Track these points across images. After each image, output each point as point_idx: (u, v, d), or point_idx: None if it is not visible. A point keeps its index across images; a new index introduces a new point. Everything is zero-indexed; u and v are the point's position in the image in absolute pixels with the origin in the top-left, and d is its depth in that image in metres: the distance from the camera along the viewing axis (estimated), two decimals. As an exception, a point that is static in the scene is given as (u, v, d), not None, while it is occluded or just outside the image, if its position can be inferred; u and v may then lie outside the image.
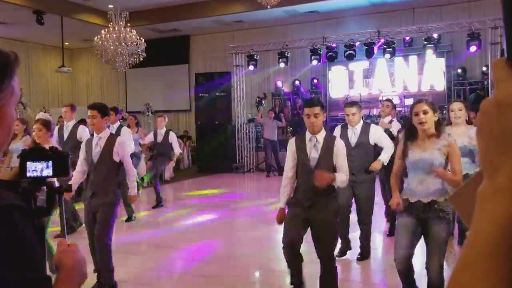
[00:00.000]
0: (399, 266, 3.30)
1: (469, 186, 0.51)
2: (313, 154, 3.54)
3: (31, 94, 16.71)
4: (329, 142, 3.56)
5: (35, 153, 1.20)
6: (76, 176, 4.31)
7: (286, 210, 3.67)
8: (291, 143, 3.67)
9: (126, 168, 4.35)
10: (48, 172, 1.19)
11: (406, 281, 3.39)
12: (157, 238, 6.32)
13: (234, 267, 4.94)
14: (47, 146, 1.30)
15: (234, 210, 8.17)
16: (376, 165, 4.81)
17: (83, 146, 4.42)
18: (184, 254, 5.53)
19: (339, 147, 3.59)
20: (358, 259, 4.96)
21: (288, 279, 4.64)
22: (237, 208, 8.36)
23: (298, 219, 3.55)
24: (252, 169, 13.81)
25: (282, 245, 3.59)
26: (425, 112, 3.15)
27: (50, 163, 1.19)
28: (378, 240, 5.83)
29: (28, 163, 1.18)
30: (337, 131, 4.98)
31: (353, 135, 4.84)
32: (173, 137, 8.36)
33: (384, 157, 4.83)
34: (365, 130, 4.86)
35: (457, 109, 4.58)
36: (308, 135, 3.59)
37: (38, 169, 1.19)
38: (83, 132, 6.44)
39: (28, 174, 1.18)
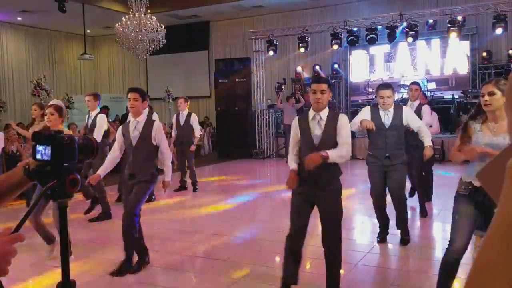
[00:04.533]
0: (456, 255, 3.07)
1: (498, 162, 0.49)
2: (316, 131, 3.50)
3: (54, 81, 16.97)
4: (332, 119, 3.52)
5: (43, 136, 1.20)
6: (107, 164, 4.45)
7: (292, 196, 3.65)
8: (295, 122, 3.67)
9: (163, 152, 4.43)
10: (48, 156, 1.18)
11: (450, 275, 3.12)
12: (179, 222, 6.40)
13: (253, 252, 4.97)
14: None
15: (253, 196, 8.19)
16: (428, 152, 4.78)
17: (119, 131, 4.51)
18: (206, 238, 5.58)
19: (343, 121, 3.52)
20: (400, 244, 4.98)
21: (308, 264, 4.66)
22: (256, 193, 8.38)
23: (304, 207, 3.58)
24: (272, 155, 13.80)
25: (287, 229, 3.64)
26: (490, 94, 2.94)
27: (49, 147, 1.19)
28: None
29: (38, 146, 1.19)
30: (366, 112, 4.85)
31: (387, 116, 4.76)
32: (195, 119, 8.40)
33: (428, 141, 4.78)
34: (398, 111, 4.78)
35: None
36: (311, 112, 3.55)
37: (43, 152, 1.19)
38: (98, 120, 6.41)
39: (37, 157, 1.19)
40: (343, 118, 3.56)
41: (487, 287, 0.41)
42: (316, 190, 3.50)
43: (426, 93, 12.94)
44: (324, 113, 3.54)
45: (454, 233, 3.07)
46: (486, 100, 2.94)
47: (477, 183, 2.96)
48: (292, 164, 3.59)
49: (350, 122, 4.78)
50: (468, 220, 3.04)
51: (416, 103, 6.13)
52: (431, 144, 4.79)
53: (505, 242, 0.41)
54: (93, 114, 6.59)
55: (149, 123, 4.43)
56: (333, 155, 3.37)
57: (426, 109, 6.07)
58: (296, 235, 3.58)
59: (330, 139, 3.47)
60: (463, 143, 3.06)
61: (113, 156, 4.47)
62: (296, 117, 3.73)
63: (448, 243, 3.11)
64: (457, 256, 3.04)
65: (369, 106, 4.99)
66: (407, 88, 13.36)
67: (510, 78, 0.44)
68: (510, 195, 0.42)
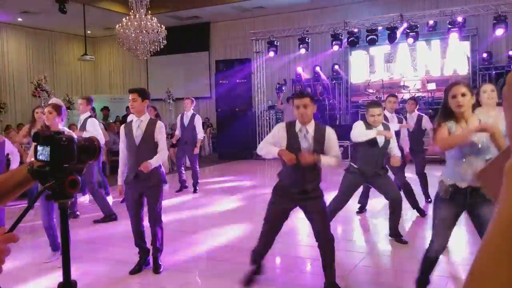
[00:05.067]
0: (432, 254, 3.26)
1: (497, 162, 0.49)
2: (303, 144, 3.57)
3: (54, 82, 16.98)
4: (319, 133, 3.59)
5: (41, 136, 1.21)
6: (122, 167, 4.44)
7: (272, 196, 3.82)
8: (282, 127, 3.66)
9: (160, 150, 4.36)
10: (46, 157, 1.19)
11: (430, 268, 3.36)
12: (180, 223, 6.40)
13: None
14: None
15: (254, 197, 8.19)
16: (396, 161, 4.81)
17: (122, 131, 4.48)
18: (206, 239, 5.59)
19: (330, 135, 3.61)
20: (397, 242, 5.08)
21: (308, 265, 4.66)
22: (257, 195, 8.38)
23: (284, 210, 3.74)
24: (272, 156, 13.78)
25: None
26: (463, 95, 3.01)
27: (48, 148, 1.19)
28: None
29: (38, 146, 1.20)
30: (361, 128, 4.88)
31: (379, 136, 4.83)
32: (198, 121, 8.36)
33: (398, 152, 4.92)
34: (386, 128, 4.90)
35: (490, 90, 4.24)
36: (298, 125, 3.60)
37: (41, 152, 1.20)
38: (90, 125, 6.38)
39: (37, 157, 1.20)
40: (330, 133, 3.63)
41: None
42: (303, 198, 3.62)
43: (426, 94, 12.98)
44: (311, 126, 3.60)
45: (434, 235, 3.26)
46: (459, 101, 3.00)
47: (461, 185, 3.05)
48: (274, 148, 3.55)
49: (351, 135, 4.89)
50: (448, 225, 3.17)
51: (415, 114, 6.67)
52: (399, 154, 4.93)
53: (505, 242, 0.40)
54: (82, 117, 6.56)
55: (152, 122, 4.43)
56: (324, 160, 3.49)
57: (427, 121, 6.62)
58: (266, 246, 3.85)
59: (318, 153, 3.54)
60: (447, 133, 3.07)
61: (124, 156, 4.45)
62: (283, 125, 3.68)
63: (430, 240, 3.29)
64: (437, 255, 3.26)
65: (361, 121, 4.95)
66: (407, 88, 13.42)
67: (508, 80, 0.44)
68: (507, 197, 0.42)
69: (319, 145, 3.56)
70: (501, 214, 0.42)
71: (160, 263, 4.42)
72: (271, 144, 3.62)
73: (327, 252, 3.66)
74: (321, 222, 3.65)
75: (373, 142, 4.81)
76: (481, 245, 0.42)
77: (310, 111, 3.55)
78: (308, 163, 3.42)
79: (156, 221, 4.40)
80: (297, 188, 3.59)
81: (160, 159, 4.36)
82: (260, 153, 3.69)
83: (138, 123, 4.38)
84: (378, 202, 6.67)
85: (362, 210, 6.43)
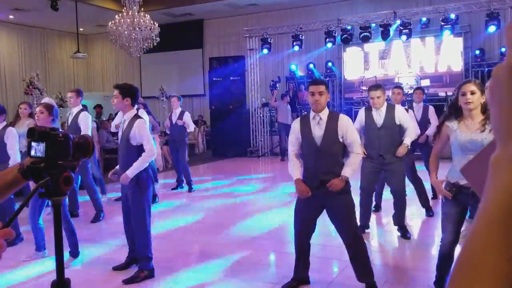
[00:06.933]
0: (443, 250, 3.31)
1: (481, 157, 0.49)
2: (317, 132, 3.55)
3: (47, 80, 16.87)
4: (332, 119, 3.57)
5: (37, 132, 1.20)
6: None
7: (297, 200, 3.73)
8: (296, 122, 3.73)
9: (145, 149, 4.05)
10: (41, 153, 1.18)
11: (444, 264, 3.35)
12: (175, 221, 6.39)
13: (250, 250, 4.98)
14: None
15: (249, 194, 8.19)
16: (402, 150, 4.86)
17: (114, 128, 4.47)
18: (201, 237, 5.59)
19: (345, 121, 3.58)
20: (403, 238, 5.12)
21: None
22: (251, 192, 8.38)
23: (309, 207, 3.63)
24: (266, 153, 13.81)
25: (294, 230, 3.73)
26: (472, 93, 3.07)
27: (43, 144, 1.18)
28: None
29: (32, 143, 1.20)
30: (361, 114, 5.08)
31: (379, 116, 4.93)
32: (187, 117, 8.37)
33: (408, 141, 4.89)
34: (390, 111, 4.93)
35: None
36: (311, 114, 3.61)
37: (36, 148, 1.19)
38: (83, 118, 6.24)
39: (32, 154, 1.19)
40: (344, 119, 3.60)
41: (468, 281, 0.41)
42: (324, 193, 3.53)
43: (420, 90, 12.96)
44: (324, 113, 3.59)
45: (442, 230, 3.35)
46: (468, 99, 3.08)
47: (462, 182, 3.09)
48: (295, 173, 3.59)
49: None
50: (452, 221, 3.25)
51: (422, 104, 6.63)
52: (409, 144, 4.90)
53: (488, 234, 0.41)
54: (74, 110, 6.39)
55: (132, 121, 4.12)
56: (350, 171, 3.49)
57: (433, 112, 6.51)
58: (302, 236, 3.71)
59: (331, 140, 3.52)
60: (437, 147, 3.29)
61: None
62: (298, 119, 3.76)
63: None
64: (446, 250, 3.30)
65: (363, 108, 5.17)
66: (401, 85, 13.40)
67: (493, 74, 0.44)
68: (493, 190, 0.42)
69: (331, 132, 3.51)
70: (486, 206, 0.42)
71: (144, 271, 4.11)
72: (293, 144, 3.64)
73: (356, 252, 3.59)
74: (344, 220, 3.56)
75: (370, 122, 4.93)
76: (467, 237, 0.43)
77: (324, 98, 3.56)
78: (338, 188, 3.44)
79: (136, 226, 4.10)
80: (315, 180, 3.53)
81: (141, 165, 4.00)
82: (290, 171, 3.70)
83: (123, 122, 4.25)
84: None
85: (377, 209, 6.17)
